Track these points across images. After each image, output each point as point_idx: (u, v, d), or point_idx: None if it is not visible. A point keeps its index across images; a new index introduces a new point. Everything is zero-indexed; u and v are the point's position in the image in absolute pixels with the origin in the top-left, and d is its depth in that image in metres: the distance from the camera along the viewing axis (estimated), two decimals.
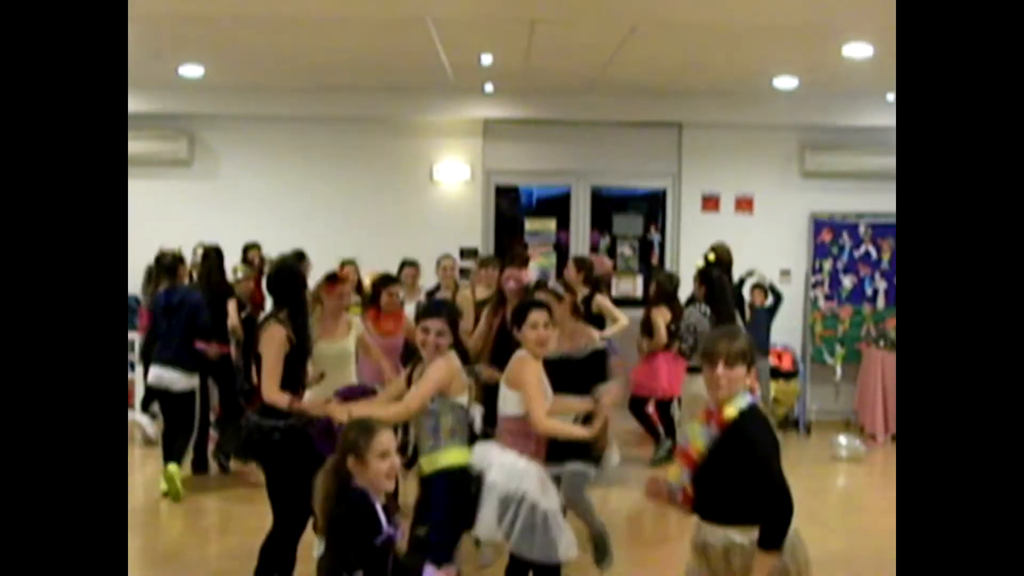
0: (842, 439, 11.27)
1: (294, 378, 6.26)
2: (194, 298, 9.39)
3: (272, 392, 6.07)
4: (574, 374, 6.56)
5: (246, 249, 10.84)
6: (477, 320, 8.47)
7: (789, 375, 12.40)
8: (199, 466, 9.77)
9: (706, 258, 10.30)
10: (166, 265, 9.59)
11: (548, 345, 5.51)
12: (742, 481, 4.19)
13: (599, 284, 10.20)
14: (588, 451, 6.53)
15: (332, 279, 7.30)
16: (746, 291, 11.71)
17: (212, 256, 10.04)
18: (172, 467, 8.92)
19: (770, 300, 11.87)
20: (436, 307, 5.82)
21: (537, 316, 5.50)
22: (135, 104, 11.36)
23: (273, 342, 6.15)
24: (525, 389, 5.31)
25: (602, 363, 7.09)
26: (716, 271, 9.77)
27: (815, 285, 12.82)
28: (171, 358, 9.19)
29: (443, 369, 5.32)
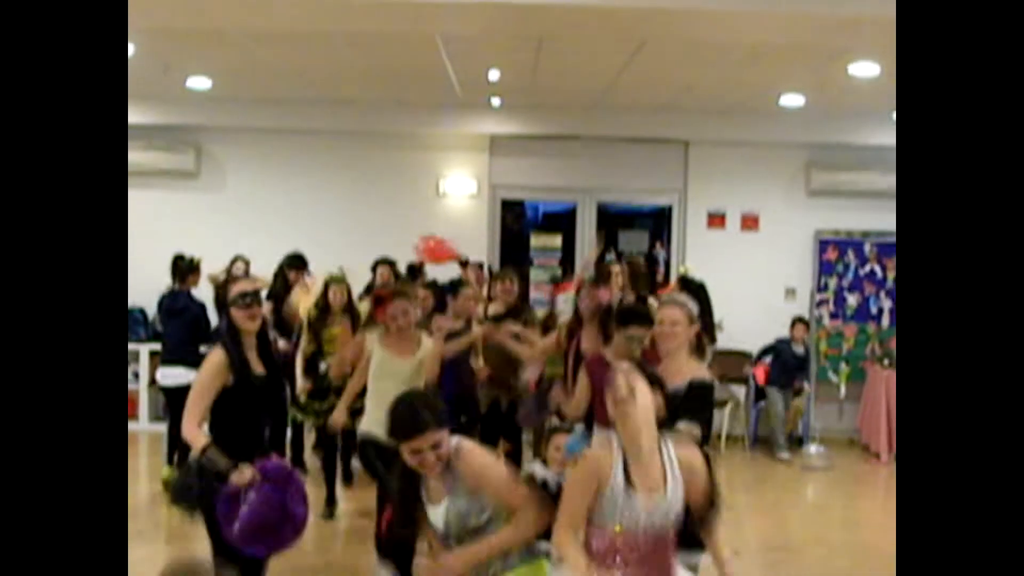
0: (811, 448, 11.62)
1: (239, 424, 5.23)
2: (196, 306, 9.77)
3: (187, 425, 5.13)
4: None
5: (376, 265, 10.45)
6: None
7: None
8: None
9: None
10: (179, 269, 9.94)
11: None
12: None
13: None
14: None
15: (379, 301, 6.79)
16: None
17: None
18: (165, 470, 9.57)
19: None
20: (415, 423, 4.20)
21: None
22: (142, 116, 11.42)
23: (205, 365, 5.26)
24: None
25: (697, 399, 5.19)
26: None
27: (820, 303, 12.82)
28: (173, 358, 9.61)
29: (490, 474, 4.21)
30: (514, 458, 8.59)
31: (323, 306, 9.19)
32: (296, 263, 10.41)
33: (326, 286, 9.25)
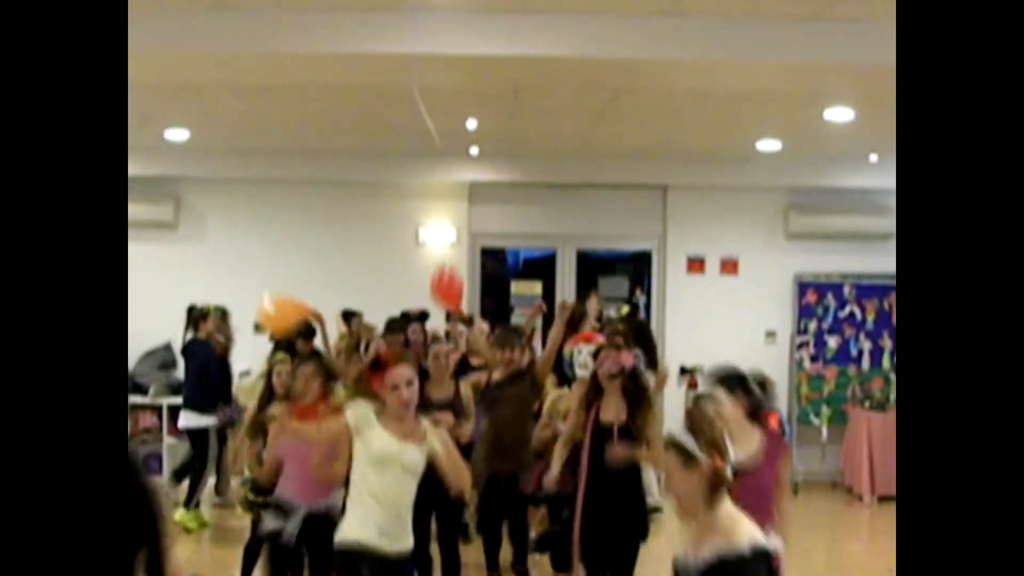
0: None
1: None
2: (203, 352, 10.33)
3: None
4: None
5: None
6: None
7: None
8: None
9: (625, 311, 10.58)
10: (192, 318, 10.56)
11: None
12: None
13: None
14: None
15: (376, 366, 5.25)
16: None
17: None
18: (179, 513, 9.78)
19: None
20: None
21: None
22: None
23: None
24: None
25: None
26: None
27: (800, 346, 12.84)
28: (186, 403, 10.31)
29: None
30: (518, 539, 7.76)
31: (265, 393, 7.27)
32: (306, 333, 9.68)
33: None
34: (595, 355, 6.78)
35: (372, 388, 5.19)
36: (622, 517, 6.48)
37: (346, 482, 5.81)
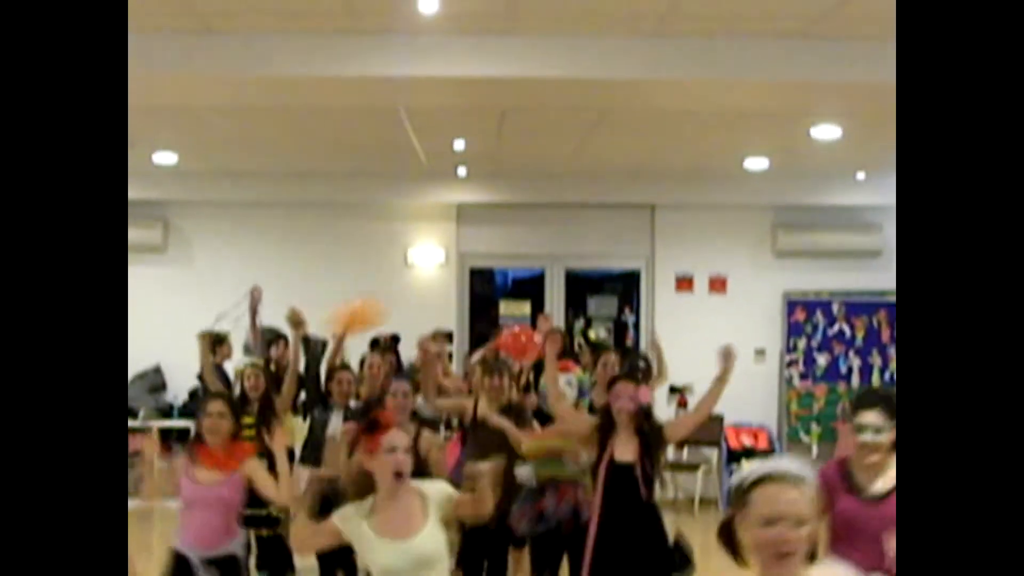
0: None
1: None
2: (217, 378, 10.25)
3: None
4: None
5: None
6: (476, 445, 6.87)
7: (765, 454, 12.38)
8: None
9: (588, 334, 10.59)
10: (209, 342, 10.35)
11: None
12: None
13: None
14: None
15: (373, 426, 4.39)
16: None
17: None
18: None
19: None
20: None
21: None
22: None
23: None
24: None
25: None
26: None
27: (790, 364, 12.85)
28: None
29: None
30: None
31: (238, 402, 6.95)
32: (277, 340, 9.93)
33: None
34: (610, 386, 6.24)
35: (365, 448, 4.39)
36: (643, 557, 5.98)
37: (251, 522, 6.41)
